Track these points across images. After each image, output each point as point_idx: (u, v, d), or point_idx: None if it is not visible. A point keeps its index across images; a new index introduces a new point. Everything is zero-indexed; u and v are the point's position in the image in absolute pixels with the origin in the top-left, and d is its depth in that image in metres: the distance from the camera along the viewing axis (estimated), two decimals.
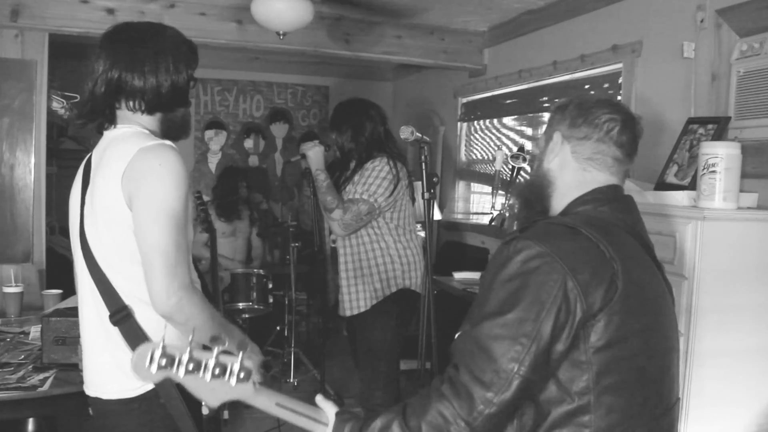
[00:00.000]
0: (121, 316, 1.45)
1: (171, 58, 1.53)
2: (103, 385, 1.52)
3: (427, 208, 2.32)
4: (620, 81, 3.24)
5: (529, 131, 4.19)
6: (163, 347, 1.01)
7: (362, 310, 2.79)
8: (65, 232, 3.84)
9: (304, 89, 6.39)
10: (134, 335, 1.45)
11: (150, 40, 1.52)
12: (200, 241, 3.89)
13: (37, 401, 1.94)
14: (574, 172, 1.32)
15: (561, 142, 1.33)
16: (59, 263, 3.52)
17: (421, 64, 4.55)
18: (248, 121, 6.23)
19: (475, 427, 1.08)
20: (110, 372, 1.50)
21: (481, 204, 4.81)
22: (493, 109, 4.54)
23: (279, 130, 6.34)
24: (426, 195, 2.32)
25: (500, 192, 3.58)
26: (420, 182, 2.34)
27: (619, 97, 3.20)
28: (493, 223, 3.60)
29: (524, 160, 3.58)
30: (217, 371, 1.03)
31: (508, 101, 4.36)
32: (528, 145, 4.07)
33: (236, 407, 3.68)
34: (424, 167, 2.31)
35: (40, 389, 1.94)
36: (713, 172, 2.21)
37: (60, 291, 2.77)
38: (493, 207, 3.65)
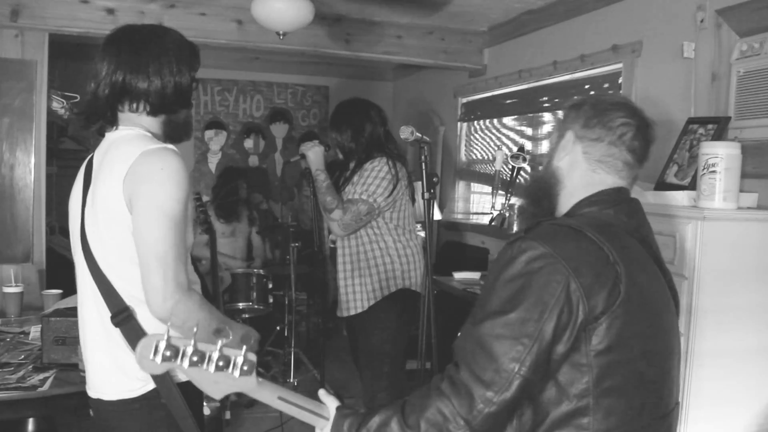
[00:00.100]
0: (123, 317, 1.45)
1: (174, 60, 1.53)
2: (104, 386, 1.52)
3: (427, 208, 2.32)
4: (620, 81, 3.24)
5: (529, 131, 4.19)
6: (168, 339, 1.02)
7: (360, 310, 2.79)
8: (65, 232, 3.84)
9: (304, 89, 6.39)
10: (135, 336, 1.45)
11: (153, 42, 1.53)
12: (201, 241, 3.89)
13: (37, 401, 1.94)
14: (583, 172, 1.31)
15: (573, 141, 1.33)
16: (59, 263, 3.52)
17: (421, 64, 4.55)
18: (248, 121, 6.23)
19: (474, 426, 1.08)
20: (111, 373, 1.50)
21: (481, 204, 4.81)
22: (493, 109, 4.54)
23: (279, 130, 6.34)
24: (426, 195, 2.32)
25: (500, 192, 3.58)
26: (420, 182, 2.34)
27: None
28: (493, 223, 3.60)
29: (524, 160, 3.58)
30: (221, 363, 1.04)
31: (508, 101, 4.36)
32: (528, 145, 4.07)
33: (238, 407, 3.68)
34: (424, 167, 2.30)
35: (40, 389, 1.94)
36: (713, 172, 2.21)
37: (60, 291, 2.77)
38: (493, 207, 3.64)
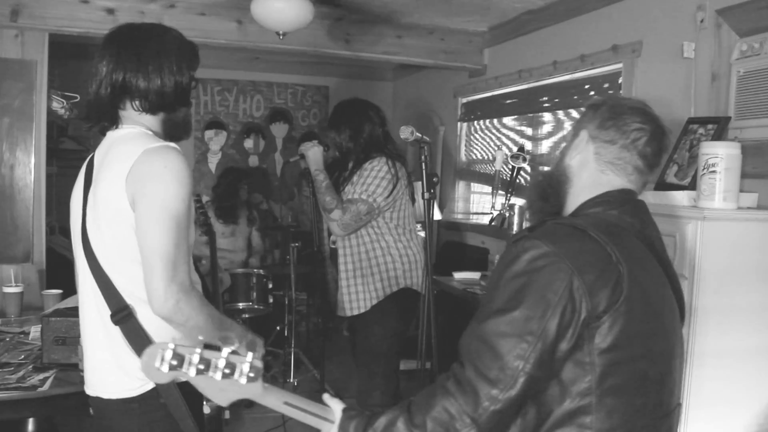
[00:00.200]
0: (123, 315, 1.45)
1: (174, 58, 1.54)
2: (103, 384, 1.52)
3: (427, 208, 2.32)
4: (620, 81, 3.24)
5: (529, 131, 4.19)
6: (174, 347, 1.02)
7: (363, 310, 2.79)
8: (65, 232, 3.85)
9: (304, 89, 6.39)
10: (135, 335, 1.45)
11: (153, 40, 1.53)
12: (201, 241, 3.89)
13: (37, 401, 1.94)
14: (592, 172, 1.32)
15: (586, 140, 1.33)
16: (59, 263, 3.52)
17: (421, 64, 4.55)
18: (248, 121, 6.23)
19: (480, 424, 1.09)
20: (111, 371, 1.50)
21: (481, 204, 4.81)
22: (493, 109, 4.54)
23: (279, 130, 6.34)
24: (426, 195, 2.32)
25: (500, 192, 3.58)
26: (420, 182, 2.34)
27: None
28: (493, 223, 3.60)
29: (524, 160, 3.58)
30: (227, 371, 1.04)
31: (508, 101, 4.36)
32: (528, 145, 4.07)
33: (237, 407, 3.68)
34: (424, 167, 2.31)
35: (40, 389, 1.94)
36: (713, 172, 2.21)
37: (60, 291, 2.77)
38: (493, 207, 3.65)
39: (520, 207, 3.54)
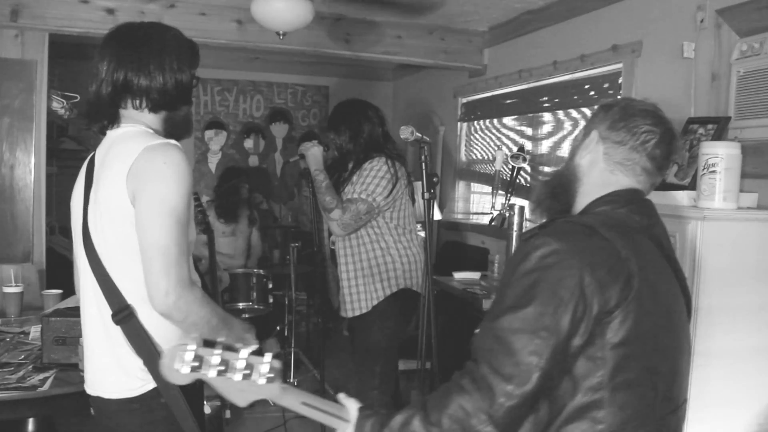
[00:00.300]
0: (124, 315, 1.45)
1: (175, 56, 1.54)
2: (104, 384, 1.52)
3: (427, 208, 2.32)
4: (620, 81, 3.24)
5: (529, 131, 4.19)
6: (194, 348, 1.02)
7: (364, 311, 2.79)
8: (65, 232, 3.85)
9: (304, 89, 6.39)
10: (136, 335, 1.45)
11: (154, 39, 1.53)
12: (200, 240, 3.89)
13: (37, 401, 1.94)
14: (601, 172, 1.34)
15: (597, 140, 1.35)
16: (59, 263, 3.52)
17: (421, 64, 4.55)
18: (248, 121, 6.23)
19: (496, 420, 1.10)
20: (112, 371, 1.50)
21: (481, 204, 4.81)
22: (493, 109, 4.54)
23: (279, 130, 6.34)
24: (426, 195, 2.32)
25: (500, 192, 3.58)
26: (420, 182, 2.34)
27: (618, 98, 3.21)
28: (493, 223, 3.60)
29: (524, 160, 3.57)
30: (246, 372, 1.04)
31: (508, 101, 4.36)
32: (528, 145, 4.07)
33: (238, 407, 3.68)
34: (424, 167, 2.30)
35: (40, 389, 1.94)
36: (713, 172, 2.21)
37: (60, 291, 2.77)
38: (493, 207, 3.64)
39: (520, 207, 3.54)
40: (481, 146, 4.75)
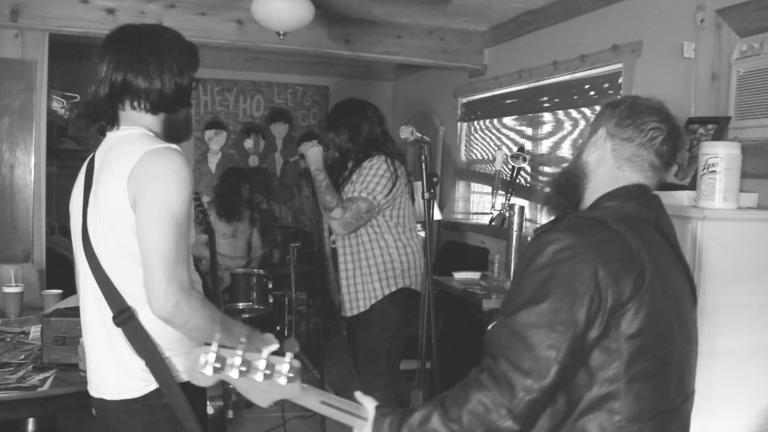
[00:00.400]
0: (125, 317, 1.45)
1: (174, 58, 1.54)
2: (106, 386, 1.52)
3: (427, 208, 2.32)
4: (620, 81, 3.24)
5: (529, 131, 4.19)
6: (217, 351, 1.03)
7: (362, 310, 2.79)
8: (65, 232, 3.84)
9: (304, 89, 6.39)
10: (137, 336, 1.45)
11: (153, 41, 1.53)
12: (201, 240, 3.89)
13: (37, 401, 1.94)
14: (609, 168, 1.36)
15: (604, 138, 1.37)
16: (59, 263, 3.52)
17: (421, 64, 4.55)
18: (248, 121, 6.23)
19: (516, 414, 1.11)
20: (113, 372, 1.50)
21: (481, 204, 4.81)
22: (493, 109, 4.54)
23: (279, 130, 6.34)
24: (426, 195, 2.32)
25: (500, 192, 3.58)
26: (420, 182, 2.34)
27: (625, 95, 3.21)
28: (493, 223, 3.60)
29: (524, 160, 3.58)
30: (267, 372, 1.05)
31: (508, 101, 4.36)
32: (528, 145, 4.07)
33: (239, 407, 3.69)
34: (424, 167, 2.31)
35: (40, 389, 1.94)
36: (713, 172, 2.21)
37: (60, 291, 2.77)
38: (493, 207, 3.65)
39: (520, 207, 3.54)
40: (481, 146, 4.75)
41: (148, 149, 1.43)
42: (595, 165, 1.37)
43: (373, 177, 2.73)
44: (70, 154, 4.37)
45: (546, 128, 4.01)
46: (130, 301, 1.46)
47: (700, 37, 2.71)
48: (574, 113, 3.73)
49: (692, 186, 2.41)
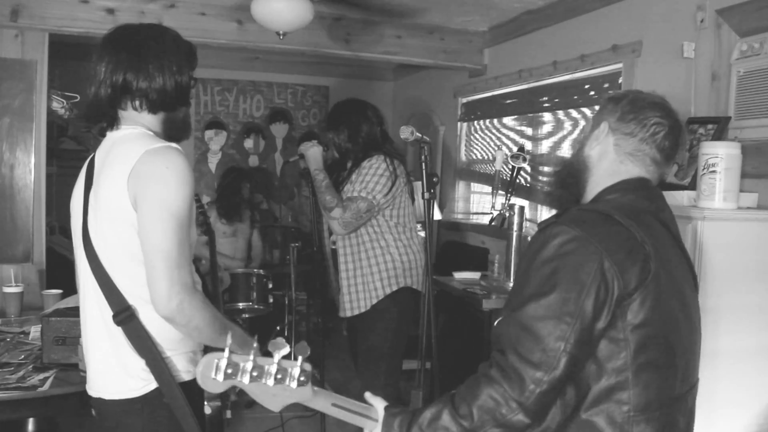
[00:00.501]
0: (125, 316, 1.45)
1: (174, 58, 1.54)
2: (105, 385, 1.52)
3: (427, 208, 2.32)
4: (620, 81, 3.24)
5: (529, 131, 4.19)
6: (228, 356, 1.03)
7: (363, 310, 2.78)
8: (65, 232, 3.84)
9: (304, 89, 6.39)
10: (137, 336, 1.45)
11: (152, 40, 1.53)
12: (201, 240, 3.90)
13: (37, 401, 1.94)
14: (611, 162, 1.36)
15: (606, 132, 1.37)
16: (59, 263, 3.52)
17: (421, 64, 4.55)
18: (248, 121, 6.23)
19: (527, 407, 1.11)
20: (113, 372, 1.50)
21: (481, 204, 4.81)
22: (493, 109, 4.54)
23: (279, 130, 6.34)
24: (426, 195, 2.32)
25: (500, 192, 3.58)
26: (420, 182, 2.34)
27: (627, 90, 3.20)
28: (493, 223, 3.60)
29: (524, 160, 3.58)
30: (279, 376, 1.05)
31: (508, 101, 4.36)
32: (528, 145, 4.07)
33: (238, 407, 3.69)
34: (424, 167, 2.31)
35: (40, 389, 1.94)
36: (713, 172, 2.21)
37: (60, 291, 2.77)
38: (493, 207, 3.64)
39: (520, 207, 3.54)
40: (481, 146, 4.75)
41: (148, 148, 1.43)
42: (597, 159, 1.38)
43: (372, 176, 2.73)
44: (70, 154, 4.38)
45: (546, 128, 4.01)
46: (131, 301, 1.46)
47: (700, 37, 2.71)
48: (574, 113, 3.73)
49: (692, 186, 2.41)
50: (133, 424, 1.49)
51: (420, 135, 2.34)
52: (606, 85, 3.40)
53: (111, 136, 1.55)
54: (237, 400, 3.65)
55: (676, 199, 2.32)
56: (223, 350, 1.05)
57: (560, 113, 3.85)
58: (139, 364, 1.46)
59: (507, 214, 3.52)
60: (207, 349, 1.55)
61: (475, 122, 4.82)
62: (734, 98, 2.56)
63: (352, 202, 2.71)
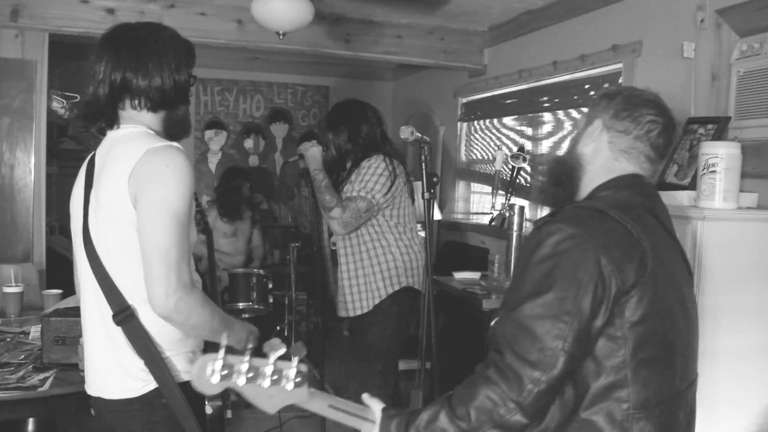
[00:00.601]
0: (125, 316, 1.45)
1: (173, 56, 1.54)
2: (105, 385, 1.52)
3: (427, 208, 2.32)
4: (620, 81, 3.24)
5: (529, 131, 4.19)
6: (223, 358, 1.02)
7: (366, 310, 2.78)
8: (65, 232, 3.84)
9: (304, 89, 6.39)
10: (137, 335, 1.45)
11: (151, 39, 1.53)
12: (201, 239, 3.89)
13: (37, 401, 1.94)
14: (605, 160, 1.36)
15: (600, 129, 1.37)
16: (59, 263, 3.52)
17: (421, 64, 4.55)
18: (248, 121, 6.23)
19: (525, 407, 1.11)
20: (113, 372, 1.50)
21: (481, 204, 4.81)
22: (493, 109, 4.54)
23: (279, 130, 6.34)
24: (426, 195, 2.32)
25: (500, 192, 3.58)
26: (420, 182, 2.34)
27: (620, 87, 3.20)
28: (493, 223, 3.60)
29: (524, 160, 3.57)
30: (275, 377, 1.04)
31: (508, 101, 4.36)
32: (528, 145, 4.07)
33: (238, 407, 3.68)
34: (424, 167, 2.30)
35: (40, 389, 1.94)
36: (713, 172, 2.21)
37: (60, 291, 2.77)
38: (493, 207, 3.64)
39: (520, 207, 3.54)
40: (481, 146, 4.75)
41: (149, 147, 1.43)
42: (591, 156, 1.37)
43: (371, 176, 2.73)
44: (70, 154, 4.38)
45: (546, 128, 4.01)
46: (131, 300, 1.46)
47: (700, 37, 2.71)
48: (574, 113, 3.72)
49: (692, 186, 2.41)
50: (132, 424, 1.49)
51: (420, 135, 2.34)
52: (606, 85, 3.39)
53: (111, 135, 1.55)
54: (237, 400, 3.64)
55: (676, 199, 2.32)
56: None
57: (560, 113, 3.85)
58: (138, 364, 1.46)
59: (507, 214, 3.52)
60: (207, 349, 1.55)
61: (475, 122, 4.82)
62: (734, 98, 2.56)
63: (351, 202, 2.71)
